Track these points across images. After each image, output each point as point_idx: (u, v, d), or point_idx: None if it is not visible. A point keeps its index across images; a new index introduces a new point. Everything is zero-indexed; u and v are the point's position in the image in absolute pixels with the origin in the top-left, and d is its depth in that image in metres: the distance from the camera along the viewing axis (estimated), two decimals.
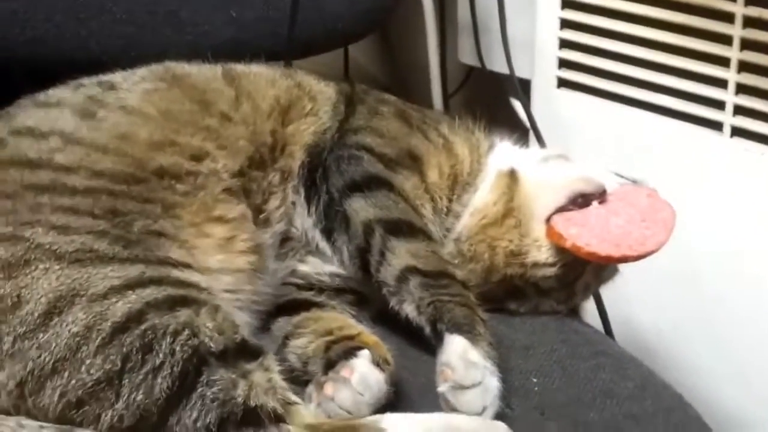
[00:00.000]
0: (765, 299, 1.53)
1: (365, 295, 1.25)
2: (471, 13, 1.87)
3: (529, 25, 1.73)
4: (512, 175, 1.28)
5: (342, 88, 1.36)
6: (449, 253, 1.26)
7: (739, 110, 1.52)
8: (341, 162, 1.24)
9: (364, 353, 1.09)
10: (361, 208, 1.20)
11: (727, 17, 1.49)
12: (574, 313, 1.34)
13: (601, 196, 1.26)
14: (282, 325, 1.20)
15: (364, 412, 1.05)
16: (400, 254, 1.16)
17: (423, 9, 1.84)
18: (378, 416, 1.03)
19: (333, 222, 1.21)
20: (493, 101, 1.88)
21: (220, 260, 1.14)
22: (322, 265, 1.25)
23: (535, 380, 1.15)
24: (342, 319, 1.20)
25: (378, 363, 1.08)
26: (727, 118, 1.53)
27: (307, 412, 1.02)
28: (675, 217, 1.23)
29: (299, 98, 1.29)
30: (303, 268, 1.25)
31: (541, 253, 1.24)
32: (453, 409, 1.05)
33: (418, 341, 1.16)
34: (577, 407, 1.11)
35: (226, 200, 1.17)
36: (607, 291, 1.39)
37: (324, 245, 1.23)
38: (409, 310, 1.14)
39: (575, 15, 1.67)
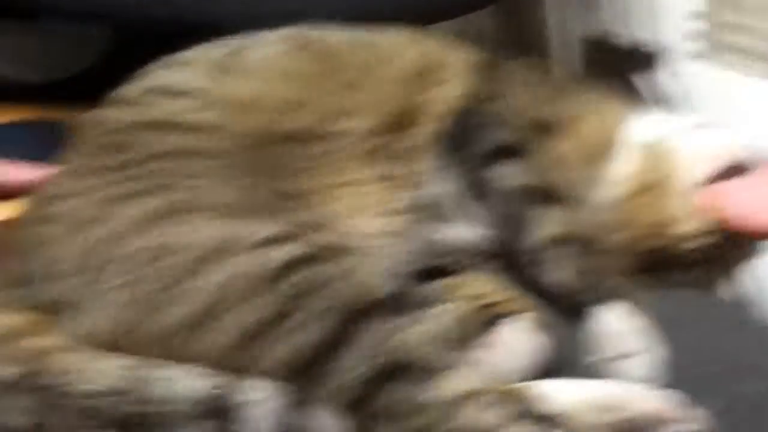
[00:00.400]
0: None
1: (515, 261, 1.24)
2: None
3: None
4: (656, 143, 1.27)
5: (474, 56, 1.36)
6: (594, 223, 1.25)
7: None
8: (478, 129, 1.24)
9: (526, 316, 1.08)
10: (506, 175, 1.20)
11: None
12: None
13: (755, 164, 1.23)
14: (428, 289, 1.20)
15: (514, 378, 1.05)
16: (551, 220, 1.16)
17: None
18: (530, 383, 1.03)
19: (477, 188, 1.21)
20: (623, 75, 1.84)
21: (362, 223, 1.14)
22: (469, 230, 1.24)
23: (683, 355, 1.12)
24: (493, 283, 1.20)
25: (532, 328, 1.08)
26: None
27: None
28: None
29: (431, 65, 1.29)
30: (450, 232, 1.25)
31: (690, 224, 1.22)
32: (617, 379, 1.06)
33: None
34: (730, 378, 1.10)
35: (363, 162, 1.17)
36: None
37: (469, 211, 1.23)
38: (562, 278, 1.14)
39: None
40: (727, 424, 1.01)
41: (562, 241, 1.15)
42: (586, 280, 1.12)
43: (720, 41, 1.67)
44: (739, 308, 1.28)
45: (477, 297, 1.15)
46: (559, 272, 1.14)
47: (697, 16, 1.65)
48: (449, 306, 1.15)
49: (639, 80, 1.82)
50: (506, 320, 1.09)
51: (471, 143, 1.23)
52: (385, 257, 1.14)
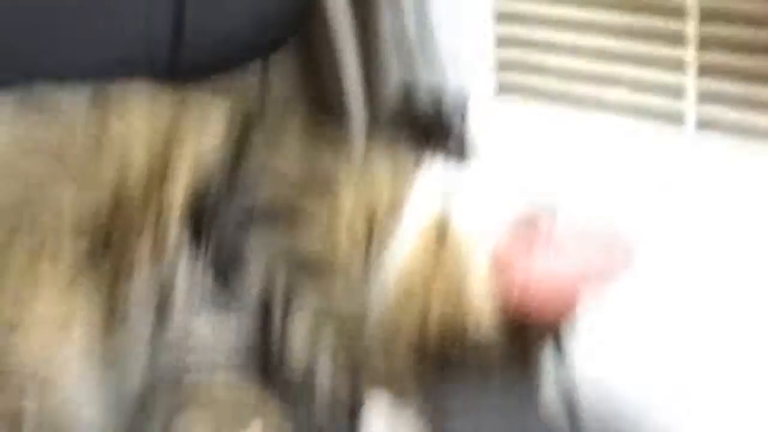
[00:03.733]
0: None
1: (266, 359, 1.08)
2: (398, 24, 1.73)
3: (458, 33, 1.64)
4: (441, 222, 1.13)
5: (238, 110, 1.20)
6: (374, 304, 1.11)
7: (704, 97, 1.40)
8: (236, 189, 1.09)
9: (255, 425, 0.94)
10: (260, 246, 1.05)
11: None
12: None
13: (545, 229, 1.10)
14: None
15: None
16: (309, 298, 1.02)
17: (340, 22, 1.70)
18: None
19: (227, 265, 1.06)
20: (425, 119, 1.72)
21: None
22: (214, 324, 1.09)
23: None
24: (237, 389, 1.04)
25: None
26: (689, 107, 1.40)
27: None
28: (635, 253, 1.07)
29: (183, 123, 1.14)
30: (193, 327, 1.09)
31: (483, 313, 1.08)
32: None
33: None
34: None
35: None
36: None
37: (217, 296, 1.07)
38: (322, 368, 0.99)
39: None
40: None
41: (323, 322, 1.01)
42: (353, 378, 0.98)
43: (510, 81, 1.62)
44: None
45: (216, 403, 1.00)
46: (319, 365, 0.99)
47: (487, 56, 1.59)
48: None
49: (437, 131, 1.70)
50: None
51: (219, 214, 1.07)
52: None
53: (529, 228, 1.09)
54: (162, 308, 1.06)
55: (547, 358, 1.16)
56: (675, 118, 1.43)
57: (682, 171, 1.42)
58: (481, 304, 1.08)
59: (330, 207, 1.11)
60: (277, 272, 1.02)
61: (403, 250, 1.12)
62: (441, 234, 1.12)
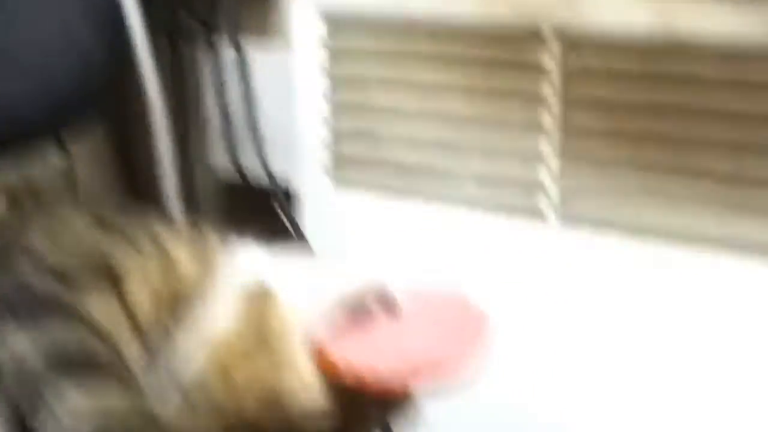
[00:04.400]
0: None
1: None
2: (220, 112, 1.65)
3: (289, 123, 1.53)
4: (261, 292, 0.98)
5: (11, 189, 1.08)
6: (175, 407, 0.92)
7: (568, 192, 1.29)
8: None
9: None
10: (19, 342, 0.85)
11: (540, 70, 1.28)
12: None
13: (387, 307, 0.97)
14: None
15: None
16: (77, 409, 0.81)
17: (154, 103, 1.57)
18: None
19: None
20: (254, 212, 1.65)
21: None
22: None
23: None
24: None
25: None
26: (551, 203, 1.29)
27: None
28: (489, 330, 0.94)
29: None
30: None
31: (309, 394, 0.92)
32: None
33: None
34: None
35: None
36: None
37: None
38: None
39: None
40: None
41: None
42: None
43: (350, 175, 1.52)
44: None
45: None
46: None
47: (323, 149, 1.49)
48: None
49: (264, 219, 1.60)
50: None
51: None
52: None
53: (358, 309, 0.96)
54: None
55: None
56: (536, 213, 1.34)
57: (544, 266, 1.33)
58: (306, 383, 0.92)
59: (114, 299, 0.92)
60: (38, 375, 0.82)
61: (214, 328, 0.95)
62: (262, 311, 0.97)
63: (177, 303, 0.96)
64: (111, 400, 0.82)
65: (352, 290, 0.97)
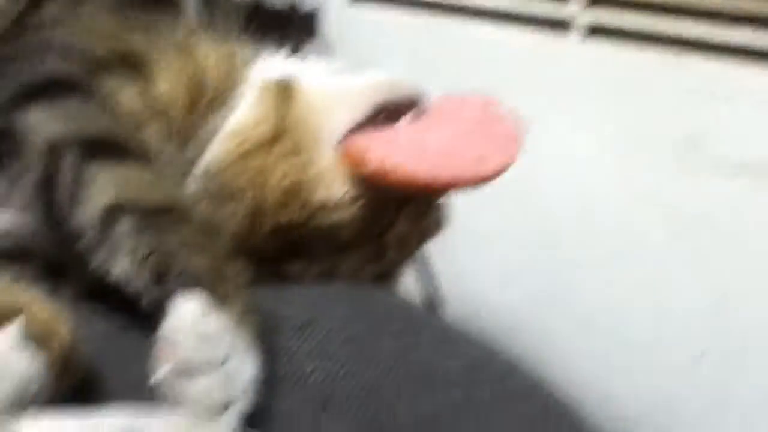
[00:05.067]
0: (631, 253, 1.24)
1: (58, 262, 0.89)
2: None
3: None
4: (284, 87, 0.97)
5: None
6: (193, 193, 0.93)
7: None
8: (13, 60, 0.90)
9: (11, 327, 0.71)
10: (42, 123, 0.85)
11: None
12: (386, 282, 1.01)
13: (415, 107, 0.96)
14: None
15: None
16: (103, 186, 0.81)
17: None
18: (9, 421, 0.66)
19: None
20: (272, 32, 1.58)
21: None
22: None
23: (312, 365, 0.80)
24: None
25: (37, 340, 0.71)
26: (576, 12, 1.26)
27: None
28: (523, 131, 0.94)
29: None
30: None
31: (331, 188, 0.93)
32: (178, 406, 0.70)
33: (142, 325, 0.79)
34: (376, 399, 0.78)
35: None
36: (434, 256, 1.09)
37: None
38: (120, 269, 0.78)
39: None
40: None
41: (118, 211, 0.80)
42: (148, 268, 0.77)
43: None
44: (408, 307, 0.97)
45: None
46: (117, 263, 0.79)
47: None
48: None
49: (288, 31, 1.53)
50: None
51: None
52: None
53: (382, 107, 0.95)
54: None
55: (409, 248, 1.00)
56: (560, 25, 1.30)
57: (568, 79, 1.29)
58: (326, 173, 0.93)
59: (138, 86, 0.93)
60: (64, 156, 0.83)
61: (239, 118, 0.95)
62: (285, 100, 0.96)
63: (201, 98, 0.96)
64: (132, 173, 0.83)
65: (377, 89, 0.97)
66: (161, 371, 0.70)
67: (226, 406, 0.70)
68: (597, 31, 1.27)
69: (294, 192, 0.93)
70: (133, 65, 0.94)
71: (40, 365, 0.70)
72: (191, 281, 0.75)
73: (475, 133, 0.93)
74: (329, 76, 1.01)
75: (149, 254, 0.77)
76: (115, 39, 0.96)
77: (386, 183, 0.89)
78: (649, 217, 1.27)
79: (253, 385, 0.72)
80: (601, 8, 1.25)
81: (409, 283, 1.10)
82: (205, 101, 0.96)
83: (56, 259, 0.89)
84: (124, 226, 0.78)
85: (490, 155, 0.90)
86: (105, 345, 0.82)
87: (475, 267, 1.34)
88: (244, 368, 0.72)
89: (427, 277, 1.22)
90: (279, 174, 0.93)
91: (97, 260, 0.80)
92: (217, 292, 0.74)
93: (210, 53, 0.99)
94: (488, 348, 0.89)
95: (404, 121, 0.95)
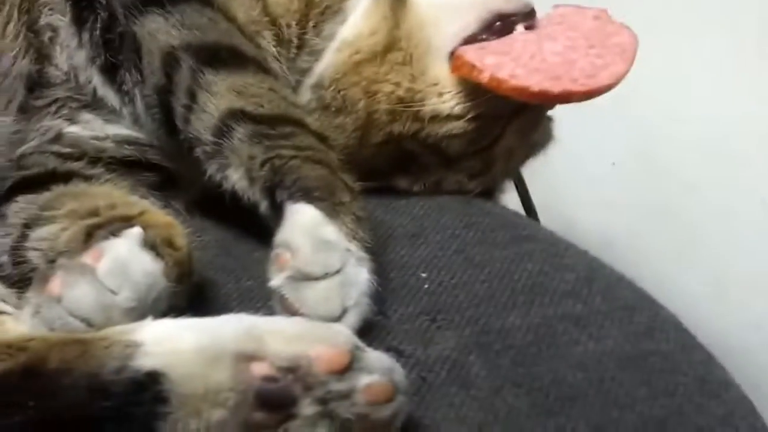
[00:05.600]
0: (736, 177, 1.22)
1: (173, 172, 0.91)
2: None
3: None
4: None
5: None
6: (307, 103, 0.94)
7: None
8: None
9: (132, 231, 0.72)
10: (159, 29, 0.85)
11: None
12: (488, 196, 1.01)
13: (528, 18, 0.95)
14: (23, 207, 0.83)
15: (118, 320, 0.67)
16: (219, 92, 0.82)
17: None
18: (131, 325, 0.65)
19: (118, 53, 0.86)
20: None
21: None
22: (103, 126, 0.90)
23: (424, 275, 0.81)
24: (117, 194, 0.83)
25: (155, 245, 0.72)
26: None
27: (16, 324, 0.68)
28: (636, 42, 0.92)
29: None
30: (71, 129, 0.89)
31: (443, 99, 0.93)
32: (294, 314, 0.70)
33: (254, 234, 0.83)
34: (487, 309, 0.78)
35: None
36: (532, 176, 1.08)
37: (106, 92, 0.88)
38: (236, 176, 0.80)
39: None
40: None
41: (234, 118, 0.80)
42: (263, 176, 0.78)
43: None
44: (514, 216, 0.97)
45: (91, 213, 0.78)
46: (233, 170, 0.80)
47: None
48: (48, 229, 0.78)
49: None
50: (117, 234, 0.72)
51: None
52: None
53: (502, 24, 0.94)
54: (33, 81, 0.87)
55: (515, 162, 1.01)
56: None
57: None
58: (443, 87, 0.93)
59: None
60: (180, 63, 0.83)
61: (352, 28, 0.95)
62: (397, 10, 0.95)
63: (314, 7, 0.96)
64: (248, 81, 0.83)
65: (489, 1, 0.95)
66: (279, 277, 0.71)
67: (342, 314, 0.71)
68: None
69: (406, 102, 0.93)
70: None
71: (158, 271, 0.70)
72: (306, 190, 0.76)
73: (589, 44, 0.91)
74: None
75: (265, 162, 0.78)
76: None
77: (500, 93, 0.88)
78: (758, 140, 1.23)
79: (368, 293, 0.72)
80: None
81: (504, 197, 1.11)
82: (318, 10, 0.96)
83: (170, 168, 0.91)
84: (241, 133, 0.79)
85: (604, 66, 0.89)
86: (217, 253, 0.84)
87: (567, 184, 1.33)
88: (359, 276, 0.72)
89: (523, 191, 1.20)
90: (391, 84, 0.93)
91: (212, 168, 0.81)
92: (332, 201, 0.75)
93: None
94: (595, 260, 0.89)
95: (517, 32, 0.94)
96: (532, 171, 1.08)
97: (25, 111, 0.87)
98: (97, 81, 0.88)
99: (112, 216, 0.77)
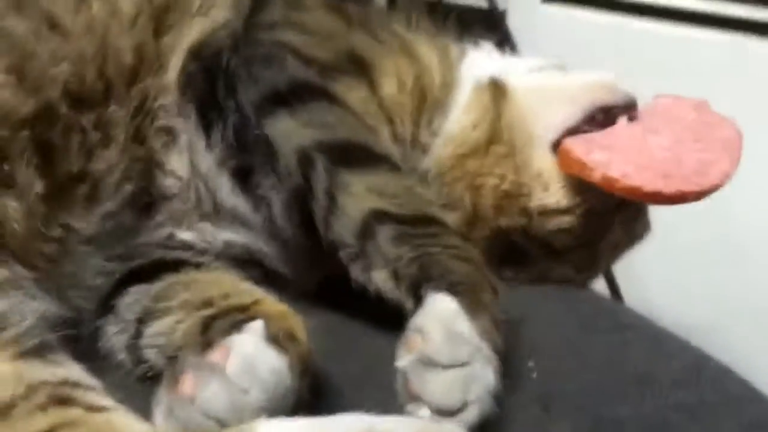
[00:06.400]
0: None
1: (283, 274, 0.92)
2: None
3: None
4: (497, 87, 0.98)
5: None
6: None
7: None
8: (253, 64, 0.90)
9: (255, 325, 0.74)
10: (290, 129, 0.86)
11: None
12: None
13: (630, 110, 0.96)
14: (135, 300, 0.84)
15: (249, 418, 0.69)
16: (358, 193, 0.82)
17: None
18: (251, 424, 0.67)
19: (253, 156, 0.87)
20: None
21: None
22: (216, 232, 0.91)
23: (531, 364, 0.82)
24: (230, 281, 0.85)
25: (278, 339, 0.73)
26: None
27: (134, 423, 0.69)
28: (741, 137, 0.92)
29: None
30: (183, 236, 0.91)
31: (549, 193, 0.94)
32: (414, 398, 0.71)
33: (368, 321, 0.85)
34: (597, 399, 0.79)
35: None
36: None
37: (235, 198, 0.89)
38: (381, 278, 0.80)
39: None
40: None
41: (378, 220, 0.81)
42: (410, 275, 0.78)
43: None
44: (612, 304, 0.99)
45: (206, 303, 0.80)
46: (377, 272, 0.80)
47: None
48: (164, 323, 0.81)
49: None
50: (241, 329, 0.74)
51: (240, 86, 0.89)
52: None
53: (605, 116, 0.95)
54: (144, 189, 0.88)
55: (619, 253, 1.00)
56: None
57: None
58: (550, 179, 0.94)
59: (364, 88, 0.94)
60: (314, 164, 0.84)
61: (456, 122, 0.97)
62: (498, 100, 0.97)
63: (425, 102, 0.97)
64: (385, 180, 0.84)
65: (595, 90, 0.97)
66: (406, 359, 0.72)
67: (461, 408, 0.71)
68: None
69: (512, 195, 0.94)
70: (358, 66, 0.95)
71: (284, 367, 0.72)
72: (452, 283, 0.76)
73: (694, 138, 0.91)
74: (538, 74, 1.01)
75: (412, 261, 0.78)
76: (337, 39, 0.97)
77: (613, 191, 0.88)
78: None
79: (490, 393, 0.72)
80: None
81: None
82: (430, 105, 0.97)
83: (279, 274, 0.91)
84: (385, 234, 0.80)
85: (712, 163, 0.89)
86: (324, 338, 0.86)
87: (654, 273, 1.32)
88: (485, 375, 0.73)
89: (610, 277, 1.21)
90: (496, 177, 0.94)
91: (355, 270, 0.81)
92: (474, 297, 0.76)
93: (431, 54, 0.99)
94: (698, 349, 0.90)
95: (620, 124, 0.94)
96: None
97: (134, 235, 0.88)
98: (226, 187, 0.89)
99: (227, 306, 0.79)
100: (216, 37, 0.93)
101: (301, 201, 0.85)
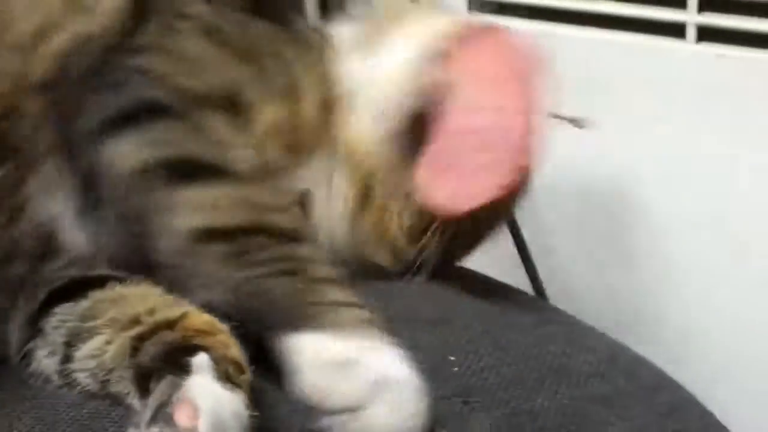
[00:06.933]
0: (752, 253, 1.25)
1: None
2: None
3: None
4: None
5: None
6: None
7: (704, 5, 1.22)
8: (102, 91, 0.86)
9: (201, 363, 0.71)
10: (130, 150, 0.83)
11: None
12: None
13: (435, 107, 0.92)
14: (61, 321, 0.83)
15: None
16: (185, 209, 0.81)
17: None
18: None
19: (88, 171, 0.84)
20: None
21: None
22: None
23: (452, 358, 0.84)
24: (155, 294, 0.82)
25: (229, 375, 0.72)
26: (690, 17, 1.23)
27: None
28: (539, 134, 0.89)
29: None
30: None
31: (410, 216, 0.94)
32: None
33: None
34: (515, 392, 0.82)
35: None
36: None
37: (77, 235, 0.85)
38: (213, 298, 0.78)
39: None
40: None
41: (200, 239, 0.80)
42: (246, 307, 0.78)
43: None
44: (534, 300, 1.02)
45: (133, 321, 0.79)
46: (209, 286, 0.79)
47: None
48: (92, 344, 0.79)
49: None
50: (187, 369, 0.71)
51: (85, 113, 0.85)
52: None
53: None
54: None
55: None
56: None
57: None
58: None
59: (236, 126, 0.89)
60: (148, 183, 0.82)
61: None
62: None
63: (296, 147, 0.93)
64: (217, 194, 0.82)
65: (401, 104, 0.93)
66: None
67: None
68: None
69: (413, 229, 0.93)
70: (234, 107, 0.90)
71: (242, 406, 0.70)
72: (297, 317, 0.75)
73: (481, 146, 0.89)
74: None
75: (242, 290, 0.78)
76: (217, 73, 0.91)
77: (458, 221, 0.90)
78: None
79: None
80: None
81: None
82: (301, 148, 0.94)
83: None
84: (213, 257, 0.79)
85: (485, 179, 0.88)
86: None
87: (574, 263, 1.35)
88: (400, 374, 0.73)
89: (533, 274, 1.23)
90: (396, 224, 0.94)
91: (187, 289, 0.80)
92: (322, 315, 0.75)
93: (313, 100, 0.95)
94: (614, 341, 0.93)
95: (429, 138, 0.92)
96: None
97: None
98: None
99: (154, 323, 0.78)
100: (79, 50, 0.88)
101: (128, 225, 0.83)
